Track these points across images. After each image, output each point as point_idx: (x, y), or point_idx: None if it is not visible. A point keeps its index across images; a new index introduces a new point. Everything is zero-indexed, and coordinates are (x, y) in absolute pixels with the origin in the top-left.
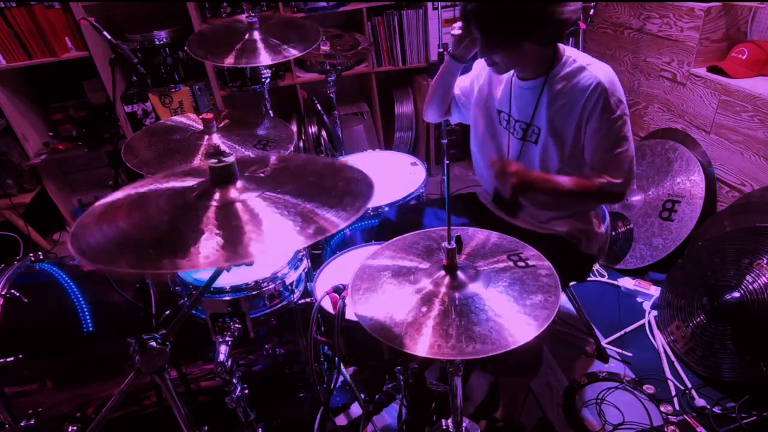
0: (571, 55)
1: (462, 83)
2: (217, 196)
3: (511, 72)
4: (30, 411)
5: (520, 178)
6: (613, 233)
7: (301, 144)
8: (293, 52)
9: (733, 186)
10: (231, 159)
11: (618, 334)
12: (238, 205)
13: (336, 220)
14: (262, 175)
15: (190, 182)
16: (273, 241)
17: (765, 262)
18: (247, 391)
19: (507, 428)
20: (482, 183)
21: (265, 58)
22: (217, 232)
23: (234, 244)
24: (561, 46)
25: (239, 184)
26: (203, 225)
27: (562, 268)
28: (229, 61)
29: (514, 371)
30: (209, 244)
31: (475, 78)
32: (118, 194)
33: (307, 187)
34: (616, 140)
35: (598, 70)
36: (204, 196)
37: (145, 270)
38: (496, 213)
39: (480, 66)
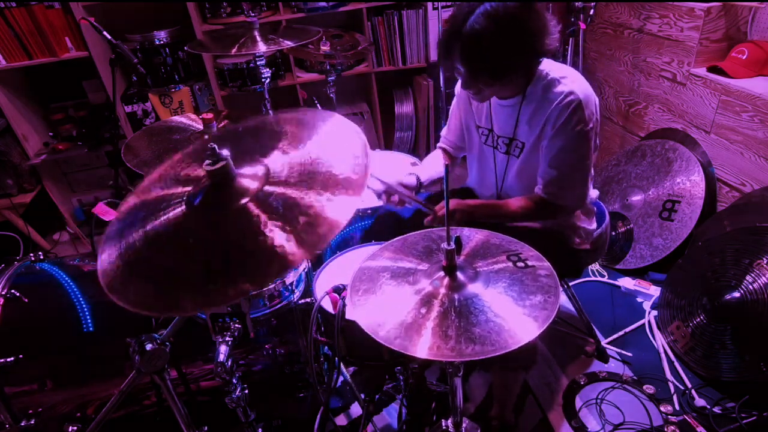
0: (546, 68)
1: (453, 111)
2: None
3: None
4: (30, 411)
5: (460, 212)
6: (613, 233)
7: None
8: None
9: (733, 186)
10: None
11: (618, 334)
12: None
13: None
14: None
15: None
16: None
17: (765, 262)
18: (247, 391)
19: (502, 426)
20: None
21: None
22: (278, 228)
23: (305, 232)
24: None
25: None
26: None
27: (554, 262)
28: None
29: (508, 366)
30: (280, 243)
31: (458, 92)
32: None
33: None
34: (575, 154)
35: (572, 83)
36: (209, 200)
37: (224, 303)
38: None
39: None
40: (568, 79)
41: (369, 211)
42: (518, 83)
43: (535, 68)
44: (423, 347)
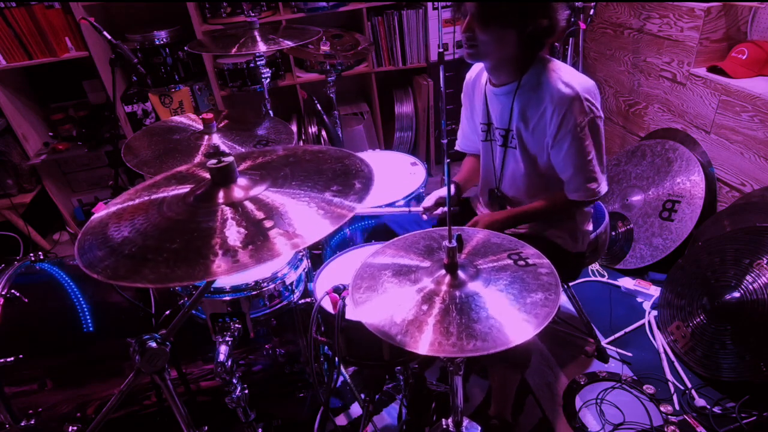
0: (545, 61)
1: (462, 114)
2: (221, 196)
3: (485, 81)
4: (30, 411)
5: (485, 226)
6: (613, 233)
7: (302, 144)
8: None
9: (733, 186)
10: (230, 159)
11: (618, 334)
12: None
13: (350, 204)
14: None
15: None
16: (304, 231)
17: (765, 262)
18: (247, 391)
19: (501, 425)
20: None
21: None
22: (240, 232)
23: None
24: (537, 55)
25: (242, 181)
26: (223, 228)
27: None
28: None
29: (505, 364)
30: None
31: (463, 93)
32: (112, 209)
33: (306, 176)
34: (584, 149)
35: (569, 77)
36: (209, 199)
37: (174, 283)
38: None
39: (467, 83)
40: (565, 72)
41: None
42: (513, 58)
43: (537, 42)
44: (425, 343)
